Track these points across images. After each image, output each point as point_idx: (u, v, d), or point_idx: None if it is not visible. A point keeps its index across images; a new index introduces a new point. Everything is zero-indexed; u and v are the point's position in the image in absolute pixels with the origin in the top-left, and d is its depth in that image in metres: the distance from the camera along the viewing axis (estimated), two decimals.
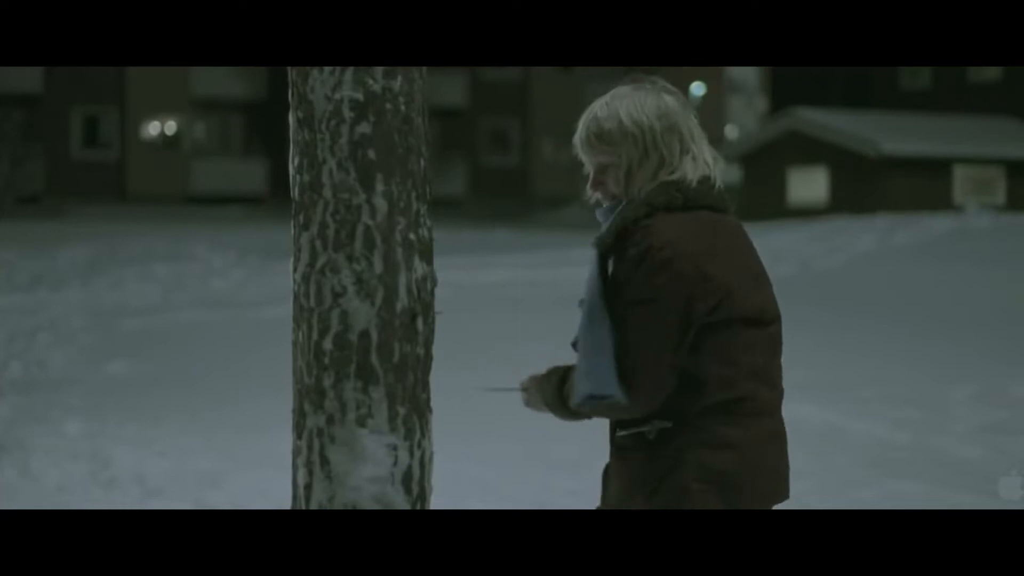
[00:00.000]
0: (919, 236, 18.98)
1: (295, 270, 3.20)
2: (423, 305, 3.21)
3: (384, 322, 3.14)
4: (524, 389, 3.35)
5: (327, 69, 3.13)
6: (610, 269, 3.11)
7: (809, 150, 33.07)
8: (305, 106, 3.16)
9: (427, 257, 3.23)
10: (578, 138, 3.25)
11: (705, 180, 3.15)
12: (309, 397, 3.18)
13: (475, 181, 48.15)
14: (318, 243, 3.15)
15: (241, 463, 7.64)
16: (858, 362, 11.20)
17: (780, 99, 48.31)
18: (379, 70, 3.12)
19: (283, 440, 8.54)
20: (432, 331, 3.25)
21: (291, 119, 3.21)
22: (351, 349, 3.14)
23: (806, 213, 30.70)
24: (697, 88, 66.23)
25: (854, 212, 27.40)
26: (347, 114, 3.12)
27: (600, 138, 3.18)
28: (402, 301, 3.16)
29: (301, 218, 3.18)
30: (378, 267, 3.13)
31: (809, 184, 33.20)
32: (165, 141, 45.06)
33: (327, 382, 3.15)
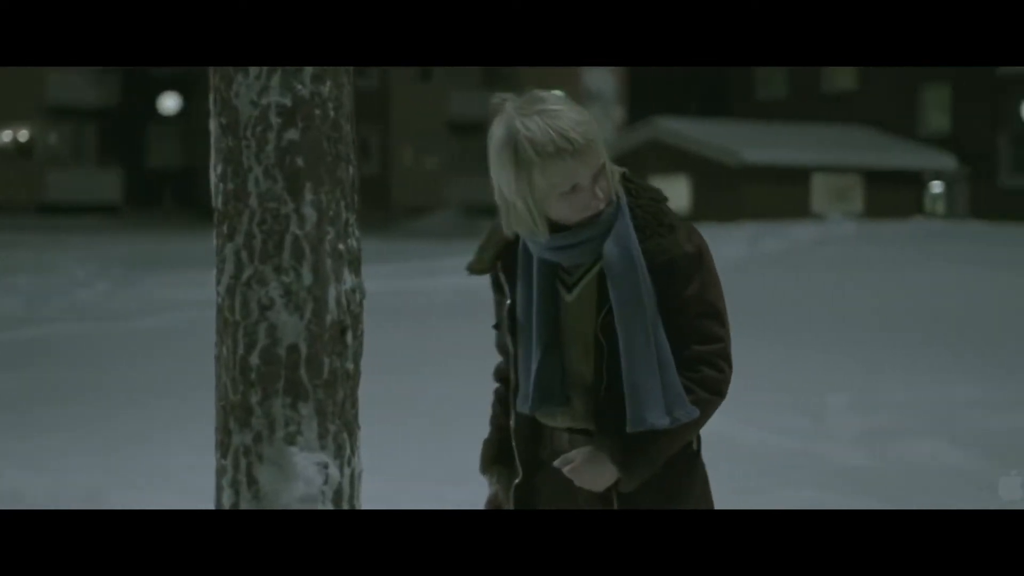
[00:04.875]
0: (784, 243, 19.26)
1: (219, 282, 3.08)
2: (352, 318, 3.11)
3: (313, 336, 3.04)
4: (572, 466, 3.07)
5: (252, 73, 3.01)
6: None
7: (671, 159, 33.47)
8: (229, 112, 3.04)
9: (355, 268, 3.14)
10: (578, 148, 2.94)
11: None
12: (234, 414, 3.06)
13: None
14: (244, 254, 3.03)
15: (120, 478, 7.44)
16: (735, 370, 11.26)
17: (638, 108, 48.84)
18: (308, 74, 3.02)
19: (162, 453, 8.33)
20: (361, 345, 3.16)
21: (213, 125, 3.09)
22: (279, 364, 3.03)
23: None
24: None
25: (716, 220, 27.73)
26: (274, 120, 3.01)
27: (596, 143, 3.00)
28: (332, 314, 3.06)
29: (225, 228, 3.06)
30: (307, 279, 3.03)
31: (671, 193, 33.27)
32: (18, 149, 44.04)
33: (254, 399, 3.04)
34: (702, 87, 46.02)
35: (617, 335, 2.97)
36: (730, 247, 19.27)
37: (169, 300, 16.55)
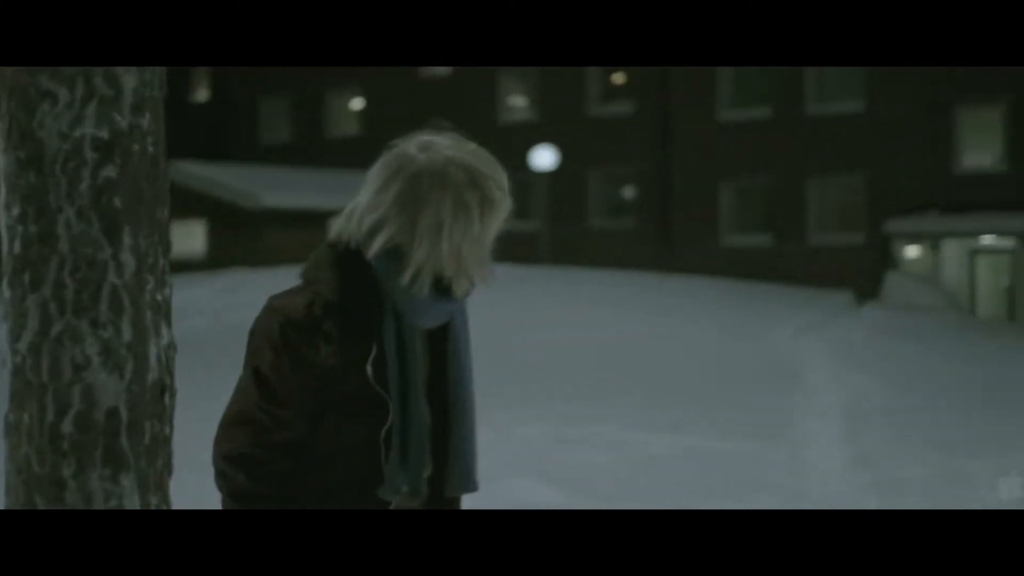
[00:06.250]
0: None
1: (16, 339, 2.69)
2: (171, 376, 2.80)
3: (134, 398, 2.70)
4: None
5: (62, 102, 2.65)
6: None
7: (186, 203, 32.81)
8: (31, 144, 2.66)
9: (169, 321, 2.82)
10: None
11: None
12: (41, 490, 2.68)
13: None
14: (52, 306, 2.66)
15: None
16: None
17: None
18: (127, 105, 2.69)
19: None
20: (174, 406, 2.84)
21: (7, 159, 2.70)
22: (97, 431, 2.67)
23: (184, 267, 30.38)
24: None
25: (235, 265, 27.39)
26: (89, 155, 2.66)
27: None
28: (153, 372, 2.74)
29: (27, 277, 2.67)
30: (127, 334, 2.69)
31: (187, 237, 32.93)
32: None
33: (67, 471, 2.67)
34: (205, 129, 45.40)
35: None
36: (269, 291, 18.97)
37: None
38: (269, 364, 2.68)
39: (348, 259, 2.72)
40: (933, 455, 11.27)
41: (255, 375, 2.69)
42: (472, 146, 2.72)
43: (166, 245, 2.80)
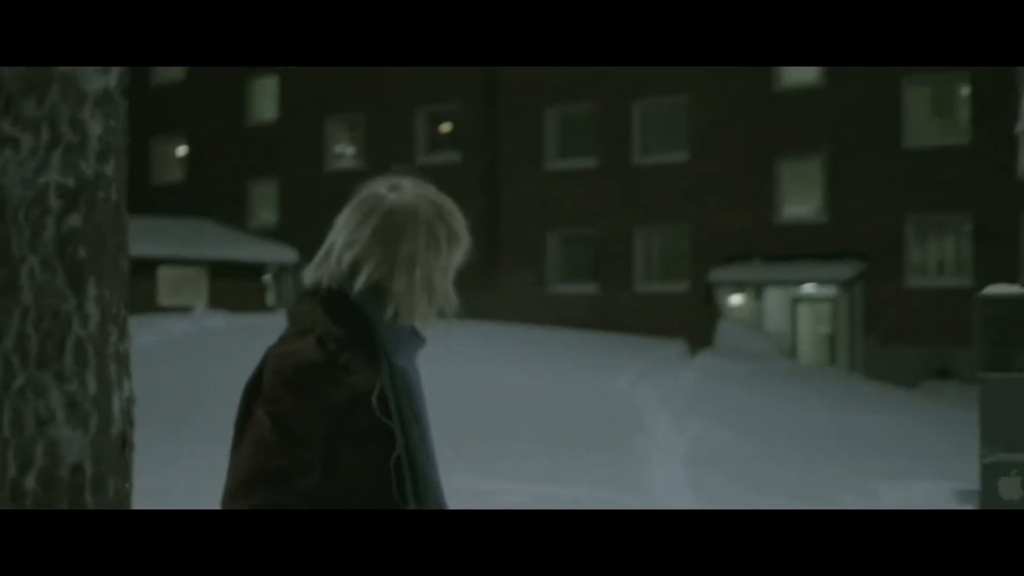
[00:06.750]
0: (162, 337, 18.88)
1: None
2: (131, 429, 2.73)
3: (99, 452, 2.64)
4: None
5: (25, 148, 2.59)
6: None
7: None
8: None
9: (129, 372, 2.76)
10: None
11: None
12: None
13: None
14: (15, 359, 2.59)
15: None
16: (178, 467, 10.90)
17: None
18: (92, 152, 2.64)
19: None
20: (132, 459, 2.77)
21: None
22: (61, 487, 2.60)
23: None
24: None
25: None
26: (54, 203, 2.60)
27: None
28: (116, 426, 2.68)
29: None
30: (92, 387, 2.63)
31: None
32: None
33: None
34: None
35: None
36: None
37: None
38: (289, 408, 2.62)
39: (335, 300, 2.72)
40: (780, 500, 11.50)
41: (274, 423, 2.62)
42: (432, 187, 2.81)
43: (127, 295, 2.74)
